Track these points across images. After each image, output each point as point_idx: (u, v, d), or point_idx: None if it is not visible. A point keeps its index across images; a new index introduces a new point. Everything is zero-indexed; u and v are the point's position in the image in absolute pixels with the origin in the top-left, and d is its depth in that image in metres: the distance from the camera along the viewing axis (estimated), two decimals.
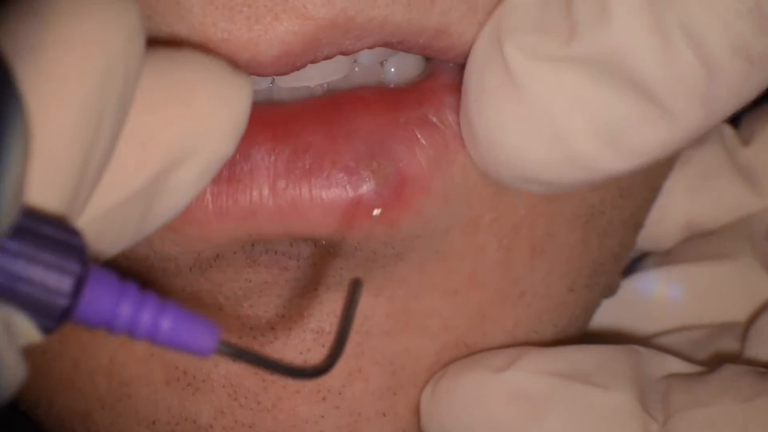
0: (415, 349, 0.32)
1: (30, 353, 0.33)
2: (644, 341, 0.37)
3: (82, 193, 0.22)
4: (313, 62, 0.29)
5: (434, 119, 0.30)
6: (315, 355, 0.31)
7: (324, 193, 0.29)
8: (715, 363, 0.33)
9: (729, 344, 0.36)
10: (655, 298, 0.38)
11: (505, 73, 0.28)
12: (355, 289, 0.26)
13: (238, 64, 0.28)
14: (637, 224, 0.37)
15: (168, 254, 0.30)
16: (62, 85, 0.22)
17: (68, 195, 0.22)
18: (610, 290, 0.37)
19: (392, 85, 0.31)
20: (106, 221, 0.23)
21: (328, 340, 0.31)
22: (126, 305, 0.22)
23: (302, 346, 0.31)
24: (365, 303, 0.31)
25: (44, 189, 0.21)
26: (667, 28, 0.26)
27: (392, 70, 0.32)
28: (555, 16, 0.28)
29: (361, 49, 0.29)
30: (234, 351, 0.23)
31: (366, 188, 0.29)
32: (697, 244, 0.39)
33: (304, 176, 0.29)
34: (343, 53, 0.29)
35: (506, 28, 0.28)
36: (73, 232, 0.22)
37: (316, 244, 0.30)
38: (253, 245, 0.30)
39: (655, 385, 0.32)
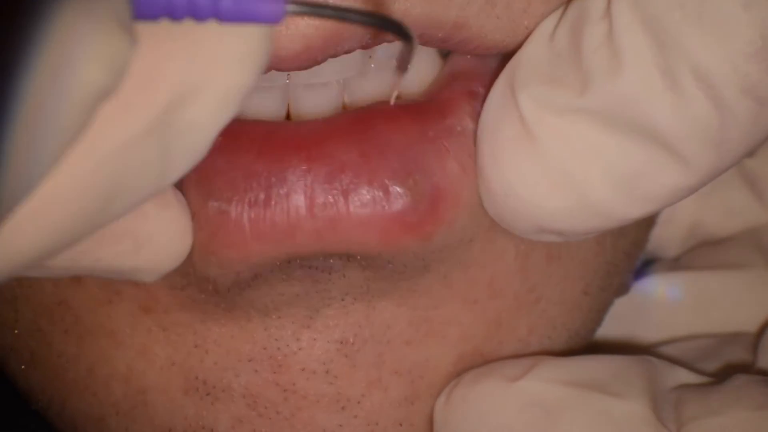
0: (434, 358, 0.32)
1: (45, 356, 0.33)
2: (654, 349, 0.37)
3: None
4: (333, 56, 0.29)
5: (459, 128, 0.30)
6: (338, 366, 0.31)
7: (362, 211, 0.29)
8: (725, 373, 0.33)
9: (739, 354, 0.36)
10: (665, 305, 0.38)
11: (520, 124, 0.28)
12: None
13: None
14: (649, 222, 0.37)
15: (207, 275, 0.29)
16: None
17: None
18: (623, 289, 0.37)
19: (407, 83, 0.31)
20: (119, 161, 0.23)
21: (352, 351, 0.31)
22: None
23: (326, 356, 0.31)
24: (387, 312, 0.31)
25: None
26: (678, 74, 0.26)
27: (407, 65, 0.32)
28: (567, 67, 0.28)
29: (380, 43, 0.29)
30: (307, 8, 0.22)
31: (402, 204, 0.29)
32: (707, 253, 0.39)
33: (341, 195, 0.29)
34: (363, 47, 0.29)
35: (520, 79, 0.29)
36: None
37: (350, 258, 0.30)
38: (289, 262, 0.30)
39: (667, 396, 0.32)
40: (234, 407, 0.31)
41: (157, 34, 0.23)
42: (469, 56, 0.31)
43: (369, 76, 0.31)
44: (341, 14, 0.24)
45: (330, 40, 0.28)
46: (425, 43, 0.30)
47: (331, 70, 0.31)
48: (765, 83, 0.26)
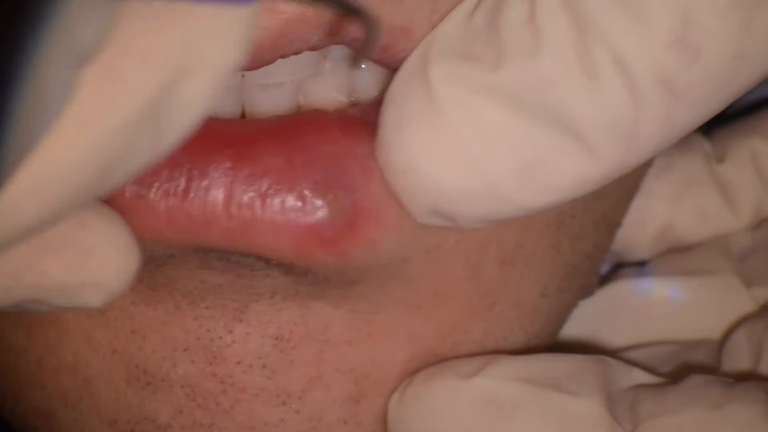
0: (380, 358, 0.31)
1: None
2: (614, 353, 0.37)
3: None
4: (282, 57, 0.29)
5: None
6: (275, 361, 0.31)
7: (277, 218, 0.28)
8: (682, 374, 0.33)
9: (701, 358, 0.36)
10: (632, 309, 0.38)
11: (427, 97, 0.27)
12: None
13: None
14: (611, 224, 0.36)
15: None
16: None
17: None
18: (586, 291, 0.37)
19: (359, 89, 0.31)
20: (118, 137, 0.23)
21: (288, 347, 0.30)
22: None
23: (261, 351, 0.30)
24: (325, 312, 0.31)
25: None
26: (595, 59, 0.26)
27: (363, 66, 0.31)
28: (483, 44, 0.27)
29: (329, 45, 0.29)
30: None
31: (319, 217, 0.29)
32: (675, 259, 0.39)
33: (258, 199, 0.28)
34: (311, 49, 0.29)
35: (432, 53, 0.28)
36: None
37: (267, 261, 0.30)
38: (206, 253, 0.29)
39: (622, 395, 0.31)
40: (174, 398, 0.31)
41: (153, 15, 0.23)
42: None
43: (324, 76, 0.31)
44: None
45: (278, 41, 0.28)
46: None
47: (285, 71, 0.31)
48: (680, 76, 0.25)
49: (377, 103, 0.30)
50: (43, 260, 0.26)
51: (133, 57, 0.23)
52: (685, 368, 0.35)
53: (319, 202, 0.29)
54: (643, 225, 0.39)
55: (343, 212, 0.29)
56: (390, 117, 0.29)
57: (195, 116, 0.24)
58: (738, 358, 0.35)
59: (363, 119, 0.30)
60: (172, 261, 0.30)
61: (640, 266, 0.39)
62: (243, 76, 0.31)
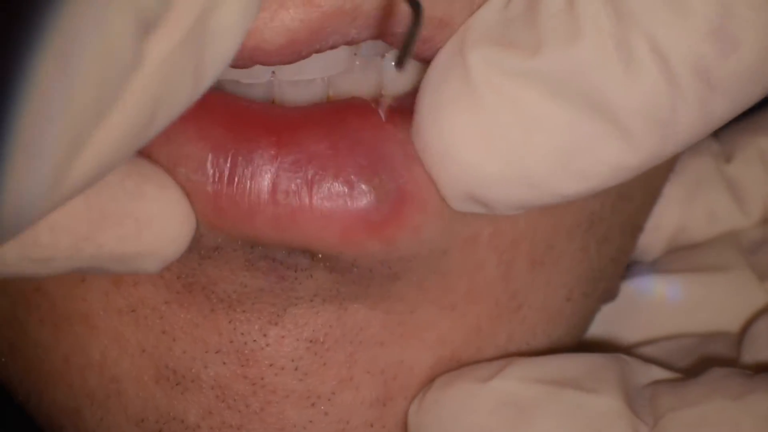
0: (408, 360, 0.31)
1: (22, 346, 0.33)
2: (634, 348, 0.37)
3: None
4: (318, 51, 0.28)
5: None
6: (307, 364, 0.30)
7: (324, 204, 0.28)
8: (701, 368, 0.33)
9: (720, 351, 0.36)
10: (648, 307, 0.38)
11: (465, 83, 0.27)
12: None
13: (242, 53, 0.28)
14: (636, 228, 0.36)
15: None
16: None
17: None
18: (610, 295, 0.37)
19: (391, 83, 0.31)
20: (163, 72, 0.22)
21: (322, 349, 0.30)
22: None
23: (294, 354, 0.30)
24: (361, 314, 0.30)
25: None
26: (634, 47, 0.26)
27: (392, 63, 0.31)
28: (522, 30, 0.27)
29: (366, 39, 0.29)
30: None
31: (366, 202, 0.28)
32: (686, 256, 0.39)
33: (305, 186, 0.28)
34: (348, 43, 0.29)
35: (471, 39, 0.28)
36: None
37: (314, 257, 0.29)
38: (252, 248, 0.29)
39: (641, 391, 0.31)
40: (203, 398, 0.31)
41: None
42: None
43: (354, 73, 0.31)
44: None
45: (315, 34, 0.28)
46: None
47: (316, 67, 0.30)
48: (718, 66, 0.26)
49: (413, 92, 0.30)
50: (102, 232, 0.26)
51: None
52: (704, 361, 0.35)
53: (365, 187, 0.28)
54: (657, 229, 0.39)
55: (388, 196, 0.29)
56: (427, 101, 0.28)
57: (233, 43, 0.24)
58: (759, 349, 0.35)
59: (401, 106, 0.30)
60: (216, 256, 0.29)
61: (652, 265, 0.39)
62: (273, 72, 0.30)
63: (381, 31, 0.29)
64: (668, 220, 0.39)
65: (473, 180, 0.28)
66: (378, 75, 0.31)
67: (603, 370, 0.31)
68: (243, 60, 0.28)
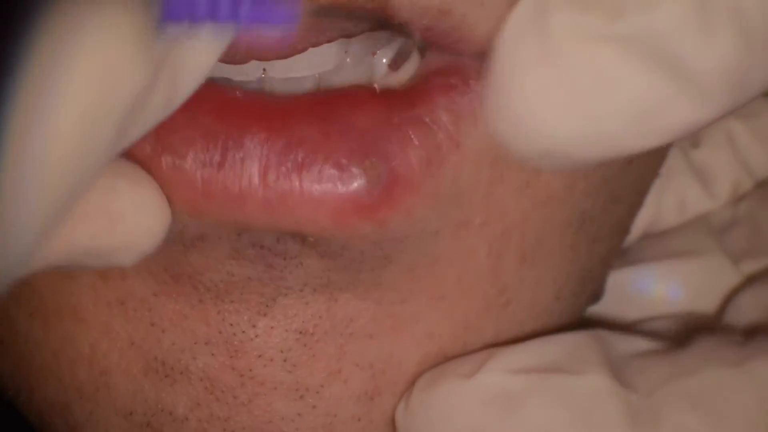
0: (397, 354, 0.31)
1: (12, 342, 0.33)
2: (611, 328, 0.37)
3: None
4: (314, 45, 0.29)
5: (427, 119, 0.29)
6: (296, 355, 0.30)
7: (314, 187, 0.28)
8: (685, 338, 0.33)
9: (696, 325, 0.36)
10: (624, 295, 0.38)
11: (546, 45, 0.27)
12: None
13: (238, 48, 0.27)
14: (624, 229, 0.37)
15: None
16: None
17: None
18: (596, 297, 0.37)
19: (383, 78, 0.31)
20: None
21: (312, 341, 0.30)
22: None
23: (283, 345, 0.30)
24: (351, 305, 0.30)
25: None
26: (714, 11, 0.26)
27: (383, 60, 0.31)
28: None
29: (363, 32, 0.29)
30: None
31: (357, 185, 0.29)
32: (658, 243, 0.39)
33: (295, 169, 0.28)
34: (345, 36, 0.29)
35: (554, 1, 0.28)
36: None
37: (304, 242, 0.29)
38: (239, 235, 0.29)
39: (629, 362, 0.31)
40: (192, 390, 0.31)
41: None
42: (446, 55, 0.30)
43: (345, 71, 0.31)
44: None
45: (310, 28, 0.28)
46: (409, 33, 0.29)
47: (306, 64, 0.30)
48: None
49: (420, 78, 0.30)
50: (74, 229, 0.26)
51: None
52: (688, 332, 0.35)
53: (355, 170, 0.29)
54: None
55: (380, 179, 0.29)
56: (506, 61, 0.28)
57: (206, 66, 0.24)
58: (743, 314, 0.35)
59: (402, 91, 0.30)
60: (201, 245, 0.30)
61: (624, 254, 0.39)
62: (264, 70, 0.30)
63: (378, 24, 0.29)
64: (643, 213, 0.39)
65: (551, 138, 0.28)
66: (369, 72, 0.31)
67: (584, 349, 0.31)
68: (239, 55, 0.28)
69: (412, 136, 0.29)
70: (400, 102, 0.30)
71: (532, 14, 0.28)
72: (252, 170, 0.28)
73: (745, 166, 0.40)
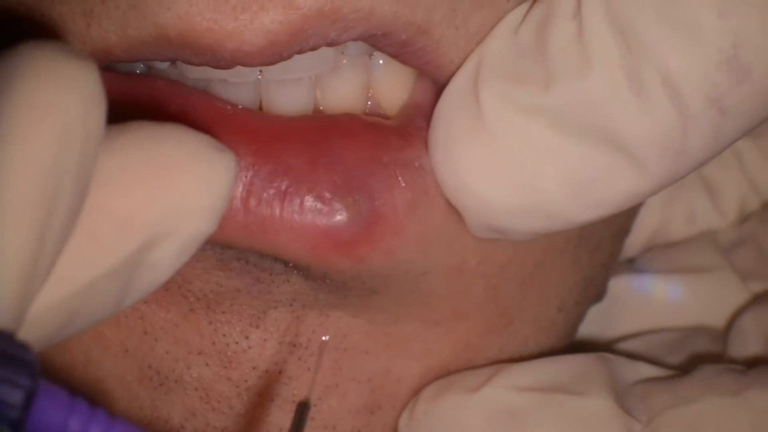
0: (396, 369, 0.31)
1: None
2: (618, 343, 0.37)
3: (39, 274, 0.22)
4: (299, 53, 0.28)
5: (417, 164, 0.29)
6: (291, 367, 0.30)
7: (295, 218, 0.28)
8: (690, 365, 0.33)
9: (704, 346, 0.36)
10: (633, 304, 0.37)
11: (477, 118, 0.27)
12: (302, 410, 0.27)
13: (223, 54, 0.27)
14: (624, 233, 0.37)
15: None
16: (16, 154, 0.21)
17: (21, 289, 0.21)
18: (598, 298, 0.37)
19: (379, 80, 0.31)
20: (82, 298, 0.23)
21: (306, 354, 0.30)
22: (75, 420, 0.22)
23: (278, 357, 0.30)
24: (343, 321, 0.30)
25: None
26: (645, 78, 0.26)
27: (380, 62, 0.31)
28: (532, 64, 0.27)
29: (346, 41, 0.28)
30: None
31: (337, 220, 0.28)
32: (669, 255, 0.38)
33: (278, 197, 0.28)
34: (329, 45, 0.28)
35: (483, 73, 0.28)
36: (24, 347, 0.21)
37: (287, 264, 0.29)
38: (223, 249, 0.29)
39: (632, 389, 0.31)
40: (187, 399, 0.30)
41: (134, 173, 0.23)
42: (431, 84, 0.30)
43: (341, 72, 0.31)
44: None
45: (294, 36, 0.27)
46: (383, 48, 0.29)
47: (302, 66, 0.30)
48: (731, 94, 0.25)
49: (414, 113, 0.30)
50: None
51: (109, 222, 0.23)
52: (691, 357, 0.35)
53: (337, 205, 0.28)
54: (638, 228, 0.39)
55: (361, 216, 0.28)
56: (440, 134, 0.28)
57: (162, 277, 0.24)
58: (747, 344, 0.35)
59: (395, 128, 0.30)
60: None
61: (631, 262, 0.39)
62: (261, 72, 0.30)
63: (361, 34, 0.28)
64: (648, 221, 0.39)
65: (488, 211, 0.28)
66: (365, 74, 0.31)
67: (590, 371, 0.31)
68: (225, 61, 0.28)
69: (400, 178, 0.29)
70: (392, 140, 0.29)
71: (465, 85, 0.28)
72: (235, 193, 0.28)
73: (752, 184, 0.40)
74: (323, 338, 0.28)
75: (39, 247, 0.21)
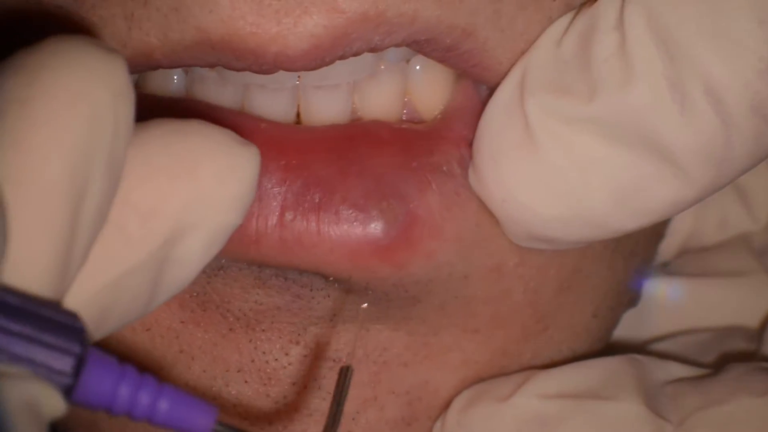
0: (433, 381, 0.30)
1: None
2: (650, 343, 0.36)
3: (74, 259, 0.21)
4: (341, 58, 0.28)
5: (445, 168, 0.29)
6: (330, 383, 0.29)
7: (332, 229, 0.28)
8: (721, 364, 0.32)
9: (738, 344, 0.35)
10: (666, 307, 0.37)
11: (524, 130, 0.27)
12: (345, 375, 0.26)
13: (266, 59, 0.27)
14: (659, 238, 0.36)
15: None
16: (47, 138, 0.21)
17: (57, 268, 0.21)
18: (632, 303, 0.36)
19: (417, 86, 0.30)
20: (113, 292, 0.22)
21: None
22: (125, 387, 0.22)
23: (317, 373, 0.29)
24: (384, 335, 0.30)
25: (30, 263, 0.21)
26: (688, 88, 0.25)
27: (417, 68, 0.30)
28: (576, 75, 0.27)
29: (389, 46, 0.28)
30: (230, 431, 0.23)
31: (375, 227, 0.28)
32: (702, 259, 0.38)
33: (312, 210, 0.28)
34: (372, 50, 0.28)
35: (528, 85, 0.27)
36: (72, 314, 0.21)
37: (327, 279, 0.28)
38: (261, 267, 0.28)
39: (662, 390, 0.31)
40: (226, 416, 0.30)
41: (159, 166, 0.23)
42: (470, 88, 0.30)
43: (379, 78, 0.30)
44: None
45: (338, 41, 0.27)
46: (429, 53, 0.28)
47: (340, 72, 0.29)
48: None
49: (452, 117, 0.29)
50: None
51: (136, 215, 0.22)
52: (723, 356, 0.35)
53: (373, 211, 0.28)
54: (671, 234, 0.39)
55: (397, 221, 0.28)
56: (486, 147, 0.28)
57: (191, 272, 0.23)
58: None
59: (423, 133, 0.29)
60: (224, 275, 0.29)
61: (665, 267, 0.39)
62: (299, 77, 0.29)
63: (405, 38, 0.28)
64: (682, 225, 0.39)
65: (534, 222, 0.28)
66: (403, 79, 0.30)
67: (619, 374, 0.31)
68: (267, 65, 0.27)
69: (431, 181, 0.28)
70: (420, 146, 0.29)
71: (510, 97, 0.28)
72: (269, 210, 0.28)
73: None
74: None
75: (71, 230, 0.21)
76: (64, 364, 0.21)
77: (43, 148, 0.21)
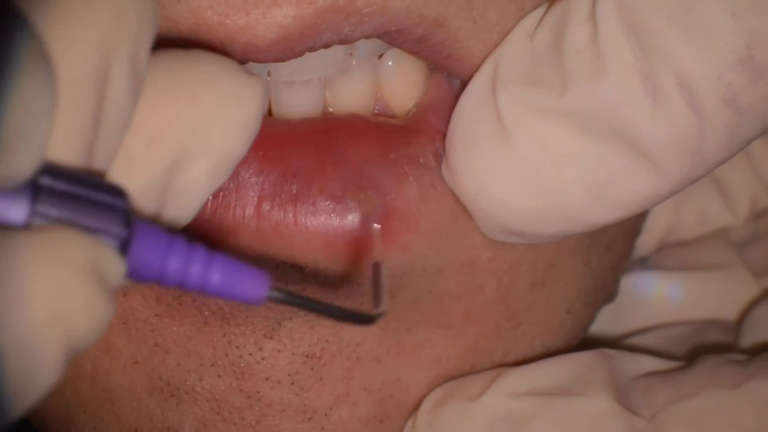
0: (405, 379, 0.30)
1: None
2: (628, 336, 0.36)
3: (98, 153, 0.21)
4: (311, 50, 0.27)
5: (422, 160, 0.29)
6: (304, 378, 0.29)
7: (309, 220, 0.28)
8: (696, 357, 0.32)
9: (715, 337, 0.35)
10: (645, 301, 0.37)
11: (496, 122, 0.27)
12: (378, 270, 0.26)
13: (234, 49, 0.27)
14: (635, 233, 0.36)
15: None
16: (69, 27, 0.21)
17: (86, 143, 0.21)
18: (609, 300, 0.36)
19: (388, 81, 0.30)
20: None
21: (319, 364, 0.29)
22: (176, 258, 0.21)
23: (291, 368, 0.29)
24: (357, 330, 0.29)
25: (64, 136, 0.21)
26: (660, 80, 0.25)
27: (389, 63, 0.30)
28: (548, 67, 0.27)
29: (360, 38, 0.28)
30: (285, 296, 0.23)
31: (351, 218, 0.28)
32: (681, 253, 0.38)
33: (289, 200, 0.27)
34: (342, 41, 0.28)
35: (500, 78, 0.27)
36: (115, 186, 0.21)
37: (303, 271, 0.28)
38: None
39: (633, 384, 0.31)
40: (198, 410, 0.30)
41: (162, 90, 0.22)
42: (443, 82, 0.30)
43: (351, 74, 0.30)
44: (312, 306, 0.23)
45: (308, 31, 0.27)
46: (401, 44, 0.28)
47: (311, 67, 0.29)
48: (746, 94, 0.25)
49: (425, 111, 0.29)
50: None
51: (139, 137, 0.22)
52: (699, 348, 0.34)
53: (350, 203, 0.28)
54: (649, 229, 0.39)
55: (374, 212, 0.28)
56: (459, 140, 0.28)
57: (196, 203, 0.23)
58: (759, 333, 0.34)
59: (400, 127, 0.29)
60: None
61: (644, 261, 0.38)
62: (269, 73, 0.29)
63: (375, 29, 0.28)
64: (661, 219, 0.39)
65: (507, 216, 0.28)
66: (375, 75, 0.30)
67: (589, 370, 0.31)
68: (236, 56, 0.27)
69: (408, 173, 0.28)
70: (395, 138, 0.29)
71: (483, 90, 0.28)
72: (246, 200, 0.27)
73: (763, 182, 0.39)
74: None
75: (93, 122, 0.21)
76: (118, 229, 0.21)
77: (64, 41, 0.21)
